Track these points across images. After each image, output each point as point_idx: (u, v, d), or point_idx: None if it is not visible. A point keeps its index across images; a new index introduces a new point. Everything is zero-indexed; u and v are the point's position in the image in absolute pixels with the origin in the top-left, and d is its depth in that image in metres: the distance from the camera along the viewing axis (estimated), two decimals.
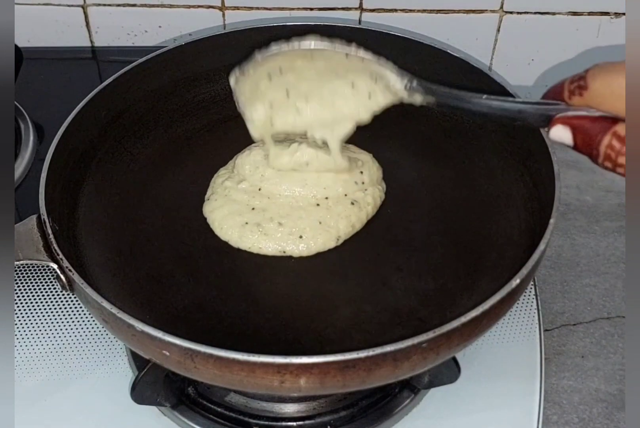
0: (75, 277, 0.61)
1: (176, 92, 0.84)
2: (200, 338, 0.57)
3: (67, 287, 0.64)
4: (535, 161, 0.71)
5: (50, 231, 0.64)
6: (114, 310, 0.59)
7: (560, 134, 0.59)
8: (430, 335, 0.57)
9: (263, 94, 0.65)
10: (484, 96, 0.63)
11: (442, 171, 0.78)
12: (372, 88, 0.64)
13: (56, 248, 0.63)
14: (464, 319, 0.58)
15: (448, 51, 0.81)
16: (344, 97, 0.65)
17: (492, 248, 0.71)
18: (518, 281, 0.60)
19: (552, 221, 0.64)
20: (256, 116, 0.66)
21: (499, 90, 0.76)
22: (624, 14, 0.99)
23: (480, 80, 0.78)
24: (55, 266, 0.63)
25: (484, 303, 0.58)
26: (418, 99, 0.66)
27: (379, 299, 0.68)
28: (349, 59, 0.66)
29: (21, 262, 0.64)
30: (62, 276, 0.63)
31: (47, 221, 0.65)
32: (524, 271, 0.61)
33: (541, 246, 0.62)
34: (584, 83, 0.56)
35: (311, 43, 0.65)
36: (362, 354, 0.55)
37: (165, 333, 0.57)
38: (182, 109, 0.84)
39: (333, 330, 0.66)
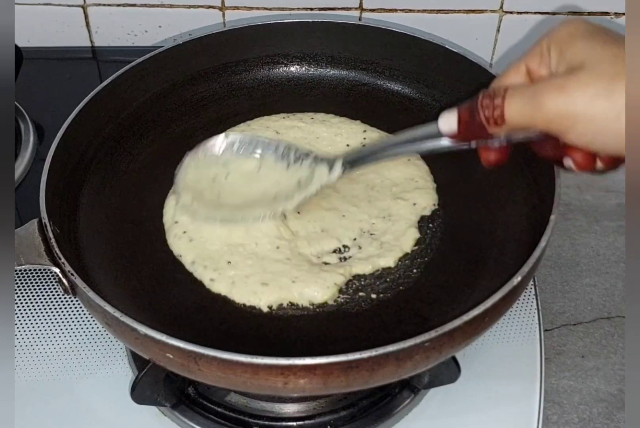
0: (78, 281, 0.61)
1: (175, 91, 0.84)
2: (203, 339, 0.57)
3: (70, 291, 0.64)
4: (535, 157, 0.71)
5: (51, 235, 0.64)
6: (117, 314, 0.59)
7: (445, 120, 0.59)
8: (432, 334, 0.57)
9: (198, 191, 0.71)
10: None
11: (442, 168, 0.78)
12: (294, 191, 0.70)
13: (58, 252, 0.63)
14: (466, 317, 0.58)
15: (446, 46, 0.81)
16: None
17: (493, 244, 0.71)
18: (520, 278, 0.61)
19: (552, 217, 0.64)
20: (182, 202, 0.71)
21: None
22: (624, 14, 0.99)
23: (479, 75, 0.78)
24: (57, 270, 0.63)
25: (486, 301, 0.59)
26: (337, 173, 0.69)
27: (380, 296, 0.68)
28: (287, 171, 0.71)
29: (23, 266, 0.64)
30: (64, 280, 0.63)
31: (48, 224, 0.65)
32: (525, 268, 0.61)
33: (542, 243, 0.63)
34: (499, 113, 0.55)
35: (255, 152, 0.72)
36: (365, 354, 0.56)
37: (168, 336, 0.57)
38: (181, 109, 0.84)
39: (335, 328, 0.66)
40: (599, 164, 0.56)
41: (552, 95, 0.52)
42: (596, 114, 0.51)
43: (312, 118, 0.82)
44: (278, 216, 0.70)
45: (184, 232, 0.71)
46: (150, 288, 0.69)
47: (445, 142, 0.60)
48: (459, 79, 0.81)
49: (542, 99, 0.52)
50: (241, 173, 0.71)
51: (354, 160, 0.68)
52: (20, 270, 0.82)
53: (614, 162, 0.56)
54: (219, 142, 0.72)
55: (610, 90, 0.50)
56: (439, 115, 0.59)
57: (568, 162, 0.57)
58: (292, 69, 0.87)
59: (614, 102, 0.50)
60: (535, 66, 0.57)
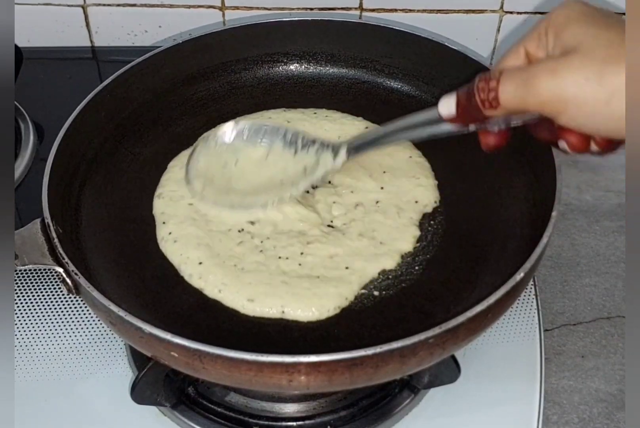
0: (82, 281, 0.61)
1: (174, 90, 0.84)
2: (207, 337, 0.57)
3: (73, 290, 0.64)
4: (536, 153, 0.71)
5: (54, 235, 0.64)
6: (122, 313, 0.59)
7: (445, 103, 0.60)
8: (436, 330, 0.57)
9: (209, 177, 0.73)
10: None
11: (443, 165, 0.78)
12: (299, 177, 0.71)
13: (61, 251, 0.63)
14: (469, 314, 0.58)
15: (446, 44, 0.81)
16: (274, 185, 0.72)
17: (494, 241, 0.71)
18: (522, 274, 0.61)
19: (554, 213, 0.64)
20: (193, 188, 0.73)
21: None
22: (624, 14, 0.99)
23: (479, 72, 0.78)
24: (60, 270, 0.63)
25: (489, 297, 0.59)
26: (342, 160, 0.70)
27: (382, 294, 0.68)
28: (294, 158, 0.72)
29: (27, 266, 0.64)
30: (67, 280, 0.63)
31: (50, 224, 0.65)
32: (528, 264, 0.61)
33: (544, 239, 0.63)
34: (494, 96, 0.55)
35: (264, 140, 0.73)
36: (369, 351, 0.56)
37: (173, 335, 0.57)
38: (181, 108, 0.84)
39: (337, 326, 0.66)
40: (594, 146, 0.57)
41: (544, 78, 0.52)
42: (587, 98, 0.51)
43: (315, 113, 0.83)
44: (285, 200, 0.71)
45: (169, 233, 0.72)
46: (153, 287, 0.69)
47: (445, 127, 0.61)
48: (458, 76, 0.81)
49: (535, 82, 0.53)
50: (250, 160, 0.73)
51: (358, 146, 0.69)
52: (19, 270, 0.82)
53: (609, 144, 0.56)
54: (229, 130, 0.74)
55: (601, 74, 0.51)
56: (439, 99, 0.60)
57: (563, 144, 0.57)
58: (292, 67, 0.88)
59: (604, 86, 0.50)
60: (533, 49, 0.57)
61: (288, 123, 0.81)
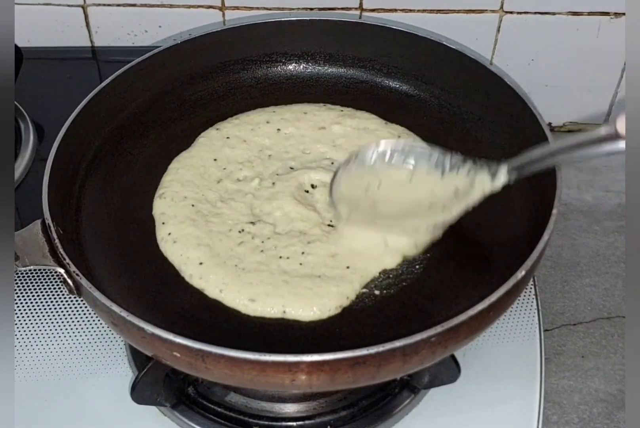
0: (83, 281, 0.61)
1: (174, 91, 0.84)
2: (208, 337, 0.57)
3: (74, 291, 0.64)
4: None
5: (55, 236, 0.64)
6: (124, 314, 0.59)
7: None
8: (438, 329, 0.57)
9: (354, 201, 0.70)
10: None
11: None
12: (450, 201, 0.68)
13: (62, 252, 0.63)
14: (471, 312, 0.58)
15: (444, 43, 0.81)
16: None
17: (494, 241, 0.71)
18: (523, 273, 0.61)
19: (554, 211, 0.64)
20: (340, 211, 0.71)
21: (497, 81, 0.77)
22: (624, 14, 0.99)
23: (478, 71, 0.78)
24: (62, 270, 0.63)
25: (491, 295, 0.59)
26: (502, 179, 0.66)
27: (383, 293, 0.68)
28: (442, 179, 0.69)
29: (28, 267, 0.64)
30: (69, 281, 0.63)
31: (51, 225, 0.65)
32: (529, 262, 0.61)
33: (544, 237, 0.63)
34: None
35: (407, 161, 0.70)
36: (372, 350, 0.56)
37: (175, 334, 0.57)
38: (180, 108, 0.84)
39: (339, 325, 0.66)
40: None
41: None
42: None
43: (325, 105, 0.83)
44: (437, 227, 0.69)
45: (169, 234, 0.71)
46: (153, 287, 0.69)
47: (618, 145, 0.57)
48: (457, 75, 0.81)
49: None
50: (393, 183, 0.70)
51: (522, 166, 0.65)
52: (20, 271, 0.82)
53: None
54: (370, 152, 0.71)
55: None
56: (615, 118, 0.56)
57: None
58: (290, 67, 0.88)
59: None
60: None
61: (305, 114, 0.81)
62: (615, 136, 0.56)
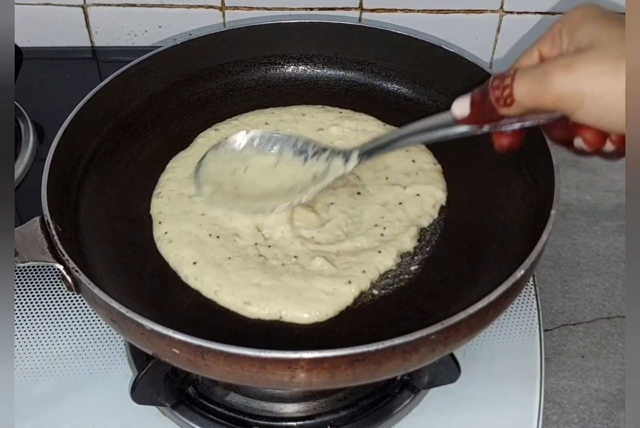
0: (82, 278, 0.61)
1: (173, 91, 0.84)
2: (207, 336, 0.57)
3: (73, 288, 0.64)
4: (533, 153, 0.71)
5: (54, 232, 0.64)
6: (123, 310, 0.59)
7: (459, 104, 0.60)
8: (438, 327, 0.57)
9: (218, 182, 0.74)
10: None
11: (440, 165, 0.78)
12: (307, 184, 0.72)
13: (61, 249, 0.63)
14: (471, 310, 0.58)
15: (443, 46, 0.81)
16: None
17: (492, 240, 0.71)
18: (522, 272, 0.61)
19: (553, 212, 0.64)
20: (203, 192, 0.74)
21: None
22: (624, 14, 0.98)
23: (476, 74, 0.78)
24: (60, 267, 0.63)
25: (490, 294, 0.59)
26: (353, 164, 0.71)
27: (382, 293, 0.68)
28: (304, 165, 0.73)
29: (27, 264, 0.64)
30: (67, 277, 0.63)
31: (50, 222, 0.65)
32: (528, 261, 0.62)
33: (544, 237, 0.63)
34: (509, 93, 0.55)
35: (274, 148, 0.75)
36: (372, 347, 0.56)
37: (175, 331, 0.57)
38: (179, 109, 0.84)
39: (337, 324, 0.66)
40: (610, 145, 0.56)
41: (559, 74, 0.52)
42: (603, 92, 0.51)
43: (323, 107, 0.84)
44: (293, 207, 0.71)
45: (165, 233, 0.72)
46: (152, 286, 0.69)
47: (458, 129, 0.61)
48: (455, 78, 0.81)
49: (550, 78, 0.52)
50: (259, 167, 0.74)
51: (370, 150, 0.70)
52: (19, 268, 0.82)
53: (624, 142, 0.56)
54: (239, 138, 0.75)
55: (617, 68, 0.51)
56: (452, 102, 0.61)
57: (579, 142, 0.57)
58: (289, 69, 0.88)
59: (621, 80, 0.50)
60: (547, 50, 0.57)
61: (303, 116, 0.82)
62: (453, 120, 0.61)
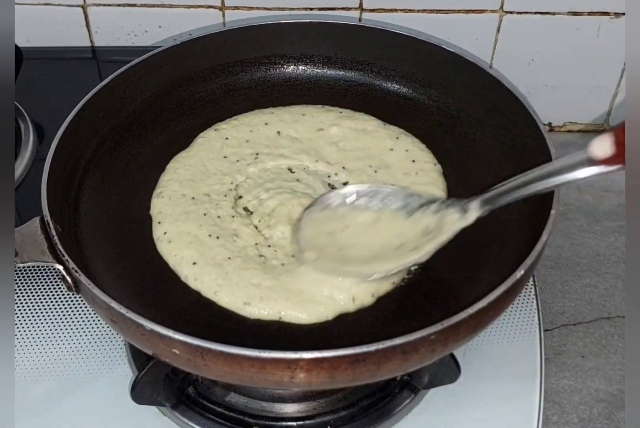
0: (82, 278, 0.62)
1: (172, 91, 0.85)
2: (207, 336, 0.57)
3: (73, 288, 0.64)
4: (533, 154, 0.71)
5: (54, 233, 0.64)
6: (123, 310, 0.59)
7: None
8: (438, 327, 0.57)
9: (320, 246, 0.68)
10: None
11: (440, 165, 0.78)
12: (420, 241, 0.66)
13: (61, 249, 0.63)
14: (471, 310, 0.58)
15: (443, 46, 0.81)
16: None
17: (492, 241, 0.71)
18: (522, 272, 0.61)
19: (553, 212, 0.64)
20: (306, 258, 0.68)
21: (495, 84, 0.77)
22: (624, 14, 0.99)
23: (476, 74, 0.78)
24: (60, 267, 0.63)
25: (490, 294, 0.59)
26: (475, 214, 0.66)
27: (382, 292, 0.68)
28: (409, 219, 0.68)
29: (27, 264, 0.64)
30: (67, 278, 0.63)
31: (50, 222, 0.65)
32: (528, 261, 0.62)
33: (543, 237, 0.63)
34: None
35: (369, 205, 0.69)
36: (372, 347, 0.56)
37: (175, 331, 0.57)
38: (178, 109, 0.84)
39: (337, 324, 0.66)
40: None
41: None
42: None
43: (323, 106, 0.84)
44: (407, 267, 0.67)
45: (165, 233, 0.72)
46: (152, 286, 0.69)
47: (593, 169, 0.57)
48: (455, 78, 0.81)
49: None
50: (359, 226, 0.69)
51: (492, 198, 0.65)
52: (19, 268, 0.82)
53: None
54: (333, 196, 0.71)
55: None
56: (590, 143, 0.56)
57: None
58: (289, 69, 0.88)
59: None
60: None
61: (303, 116, 0.81)
62: (590, 162, 0.57)
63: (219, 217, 0.72)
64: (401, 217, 0.68)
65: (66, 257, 0.63)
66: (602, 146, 0.55)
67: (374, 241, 0.68)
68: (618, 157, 0.55)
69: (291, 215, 0.71)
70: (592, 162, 0.56)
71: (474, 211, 0.65)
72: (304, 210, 0.71)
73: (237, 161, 0.78)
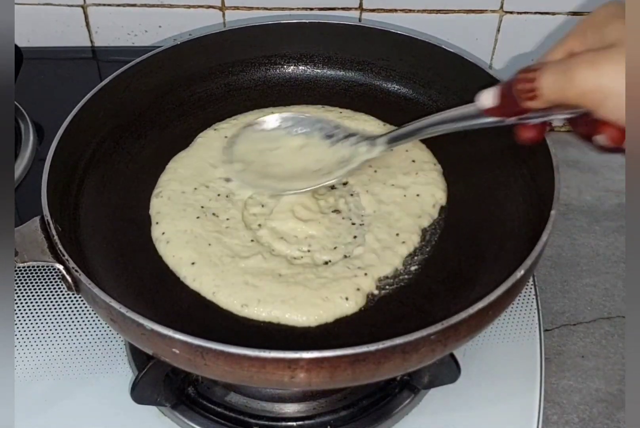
0: (82, 277, 0.61)
1: (173, 91, 0.84)
2: (208, 335, 0.57)
3: (73, 288, 0.64)
4: (533, 153, 0.72)
5: (54, 232, 0.64)
6: (123, 310, 0.59)
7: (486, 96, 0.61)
8: (438, 327, 0.57)
9: (248, 160, 0.76)
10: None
11: (440, 165, 0.78)
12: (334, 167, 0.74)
13: (61, 248, 0.63)
14: (471, 310, 0.58)
15: (443, 46, 0.81)
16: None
17: (492, 241, 0.71)
18: (522, 272, 0.61)
19: (553, 212, 0.64)
20: (234, 169, 0.76)
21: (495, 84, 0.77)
22: None
23: (476, 74, 0.78)
24: (60, 267, 0.63)
25: (490, 294, 0.59)
26: (380, 149, 0.73)
27: (381, 293, 0.68)
28: (330, 149, 0.76)
29: (27, 263, 0.64)
30: (67, 277, 0.63)
31: (50, 222, 0.65)
32: (528, 261, 0.62)
33: (543, 237, 0.63)
34: (533, 87, 0.56)
35: (303, 130, 0.77)
36: (372, 347, 0.56)
37: (175, 331, 0.57)
38: (179, 109, 0.84)
39: (337, 325, 0.66)
40: None
41: (584, 69, 0.52)
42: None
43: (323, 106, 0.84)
44: (317, 188, 0.73)
45: (163, 233, 0.72)
46: (151, 286, 0.69)
47: (483, 120, 0.63)
48: (455, 78, 0.81)
49: (574, 74, 0.53)
50: (288, 149, 0.76)
51: (396, 137, 0.72)
52: (19, 269, 0.82)
53: None
54: (271, 120, 0.78)
55: None
56: (478, 93, 0.61)
57: (602, 138, 0.56)
58: (289, 69, 0.88)
59: None
60: (575, 46, 0.57)
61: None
62: (478, 112, 0.62)
63: (216, 215, 0.72)
64: (325, 145, 0.76)
65: (66, 257, 0.63)
66: (488, 98, 0.60)
67: (296, 163, 0.75)
68: (499, 109, 0.60)
69: (292, 211, 0.72)
70: (481, 112, 0.62)
71: (379, 146, 0.73)
72: (243, 127, 0.79)
73: None
